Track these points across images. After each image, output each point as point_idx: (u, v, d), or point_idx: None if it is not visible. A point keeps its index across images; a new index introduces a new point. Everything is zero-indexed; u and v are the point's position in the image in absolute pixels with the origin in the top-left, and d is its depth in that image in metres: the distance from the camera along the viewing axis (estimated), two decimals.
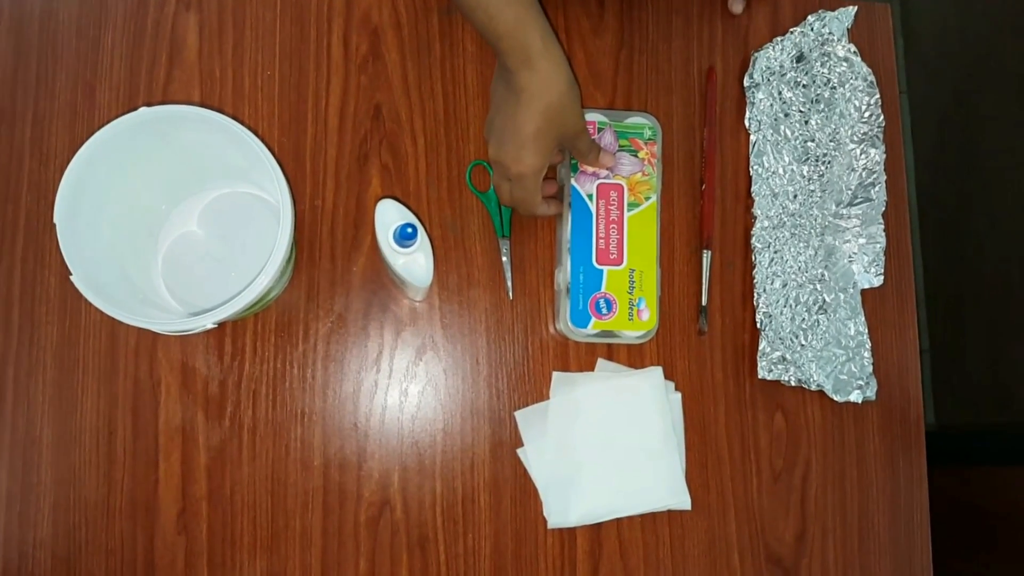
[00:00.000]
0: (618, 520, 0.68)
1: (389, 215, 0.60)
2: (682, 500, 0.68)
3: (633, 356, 0.71)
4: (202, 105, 0.69)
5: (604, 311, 0.67)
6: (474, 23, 0.58)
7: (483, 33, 0.58)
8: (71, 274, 0.54)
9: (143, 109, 0.56)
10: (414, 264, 0.61)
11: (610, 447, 0.69)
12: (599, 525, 0.68)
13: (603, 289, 0.67)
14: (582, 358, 0.70)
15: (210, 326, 0.56)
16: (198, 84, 0.71)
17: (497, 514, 0.68)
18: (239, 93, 0.71)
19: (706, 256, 0.72)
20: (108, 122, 0.57)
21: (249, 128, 0.58)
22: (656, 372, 0.69)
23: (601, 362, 0.70)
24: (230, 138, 0.58)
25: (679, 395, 0.70)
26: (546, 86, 0.57)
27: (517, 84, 0.57)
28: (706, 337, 0.72)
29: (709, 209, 0.73)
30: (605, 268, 0.67)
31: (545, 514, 0.68)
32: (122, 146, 0.57)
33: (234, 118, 0.59)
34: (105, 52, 0.70)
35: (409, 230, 0.57)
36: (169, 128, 0.59)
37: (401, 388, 0.69)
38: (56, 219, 0.54)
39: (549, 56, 0.57)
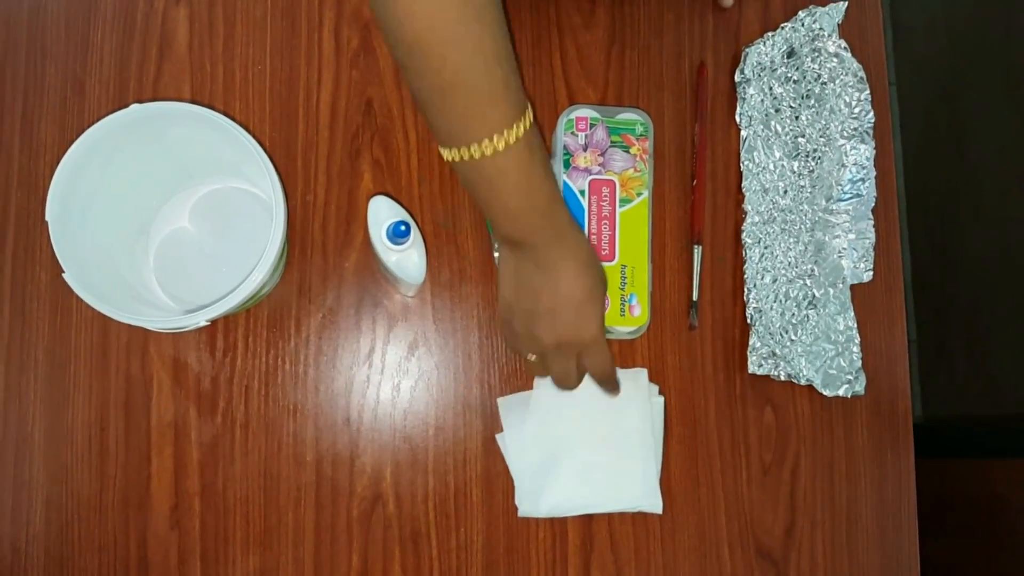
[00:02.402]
0: (609, 514, 0.69)
1: (382, 212, 0.60)
2: (654, 503, 0.69)
3: (624, 351, 0.71)
4: (192, 100, 0.70)
5: None
6: (498, 203, 0.55)
7: (511, 212, 0.55)
8: (63, 272, 0.54)
9: (134, 106, 0.56)
10: (407, 261, 0.61)
11: (587, 443, 0.69)
12: (590, 519, 0.69)
13: None
14: None
15: (203, 323, 0.56)
16: (188, 79, 0.70)
17: (489, 508, 0.68)
18: (230, 88, 0.71)
19: (697, 251, 0.72)
20: (98, 117, 0.56)
21: (240, 123, 0.58)
22: (641, 374, 0.70)
23: None
24: (222, 134, 0.58)
25: (662, 399, 0.70)
26: (578, 249, 0.58)
27: (550, 258, 0.57)
28: (696, 332, 0.72)
29: (700, 204, 0.73)
30: None
31: (516, 502, 0.68)
32: (113, 144, 0.57)
33: (224, 113, 0.59)
34: (94, 47, 0.70)
35: (403, 228, 0.57)
36: (160, 125, 0.58)
37: (393, 383, 0.69)
38: (48, 217, 0.54)
39: (575, 225, 0.58)
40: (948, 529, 1.15)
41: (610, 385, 0.64)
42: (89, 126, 0.56)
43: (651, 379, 0.71)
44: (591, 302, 0.58)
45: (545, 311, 0.58)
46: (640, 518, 0.69)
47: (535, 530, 0.68)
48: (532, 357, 0.62)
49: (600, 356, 0.61)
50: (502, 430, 0.69)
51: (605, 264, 0.68)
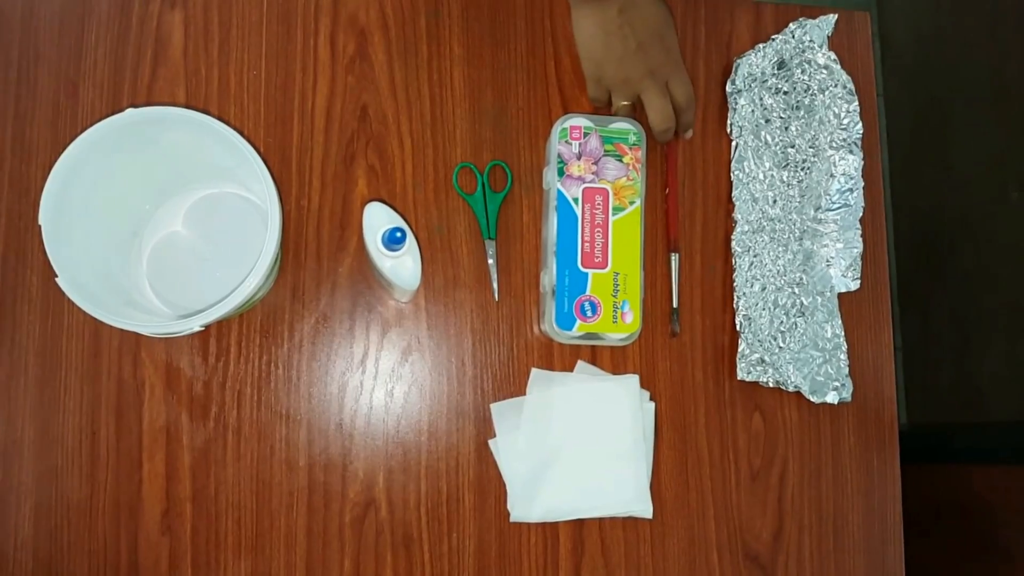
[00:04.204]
0: (600, 519, 0.69)
1: (377, 218, 0.61)
2: (644, 508, 0.70)
3: (616, 357, 0.72)
4: (187, 104, 0.70)
5: (589, 314, 0.68)
6: None
7: None
8: (56, 276, 0.54)
9: (130, 111, 0.56)
10: (402, 267, 0.61)
11: (580, 448, 0.70)
12: (581, 524, 0.69)
13: (588, 292, 0.68)
14: (566, 359, 0.71)
15: (197, 329, 0.56)
16: (183, 83, 0.70)
17: (481, 513, 0.68)
18: (225, 92, 0.71)
19: (674, 259, 0.73)
20: (92, 121, 0.57)
21: (235, 128, 0.58)
22: (633, 380, 0.71)
23: (581, 364, 0.71)
24: (217, 139, 0.58)
25: (653, 404, 0.71)
26: None
27: (619, 4, 0.66)
28: (687, 339, 0.73)
29: (673, 212, 0.74)
30: (590, 271, 0.68)
31: (509, 507, 0.68)
32: (108, 147, 0.57)
33: (219, 118, 0.59)
34: (88, 50, 0.69)
35: (398, 234, 0.58)
36: (155, 129, 0.58)
37: (386, 389, 0.69)
38: (41, 221, 0.54)
39: None
40: (932, 534, 1.17)
41: (691, 112, 0.71)
42: (83, 129, 0.56)
43: (642, 385, 0.71)
44: (669, 27, 0.69)
45: (636, 47, 0.67)
46: (631, 523, 0.70)
47: (527, 535, 0.69)
48: (625, 103, 0.70)
49: (685, 80, 0.70)
50: (495, 435, 0.69)
51: (598, 271, 0.68)
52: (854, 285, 0.74)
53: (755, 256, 0.74)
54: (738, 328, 0.72)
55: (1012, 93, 1.25)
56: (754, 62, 0.76)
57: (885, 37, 1.66)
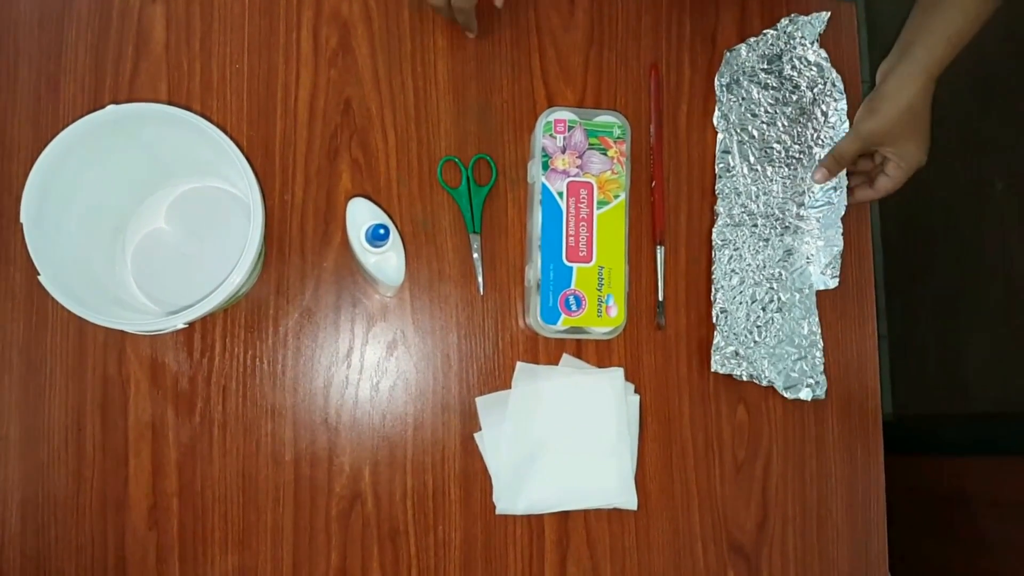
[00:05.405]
0: (585, 511, 0.70)
1: (361, 214, 0.61)
2: (629, 500, 0.70)
3: (601, 351, 0.72)
4: (169, 99, 0.69)
5: (573, 307, 0.68)
6: None
7: None
8: (39, 274, 0.54)
9: (110, 107, 0.55)
10: (386, 263, 0.61)
11: (565, 441, 0.70)
12: (566, 516, 0.70)
13: (573, 286, 0.68)
14: (551, 353, 0.71)
15: (181, 326, 0.56)
16: (165, 77, 0.70)
17: (467, 506, 0.69)
18: (207, 86, 0.70)
19: (660, 252, 0.73)
20: (74, 116, 0.56)
21: (217, 123, 0.58)
22: (617, 373, 0.71)
23: (566, 357, 0.71)
24: (198, 135, 0.58)
25: (637, 397, 0.71)
26: None
27: None
28: (671, 332, 0.73)
29: (660, 206, 0.74)
30: (575, 265, 0.68)
31: (494, 500, 0.69)
32: (89, 144, 0.56)
33: (201, 112, 0.59)
34: (69, 44, 0.69)
35: (381, 231, 0.58)
36: (136, 125, 0.58)
37: (372, 383, 0.70)
38: (23, 219, 0.54)
39: None
40: (916, 524, 1.18)
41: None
42: (64, 125, 0.56)
43: (627, 378, 0.72)
44: None
45: None
46: (616, 514, 0.70)
47: (512, 527, 0.69)
48: None
49: None
50: (480, 429, 0.69)
51: (583, 265, 0.69)
52: (832, 283, 0.74)
53: (735, 249, 0.74)
54: (714, 320, 0.72)
55: (997, 83, 1.25)
56: (744, 56, 0.76)
57: (872, 24, 1.65)
